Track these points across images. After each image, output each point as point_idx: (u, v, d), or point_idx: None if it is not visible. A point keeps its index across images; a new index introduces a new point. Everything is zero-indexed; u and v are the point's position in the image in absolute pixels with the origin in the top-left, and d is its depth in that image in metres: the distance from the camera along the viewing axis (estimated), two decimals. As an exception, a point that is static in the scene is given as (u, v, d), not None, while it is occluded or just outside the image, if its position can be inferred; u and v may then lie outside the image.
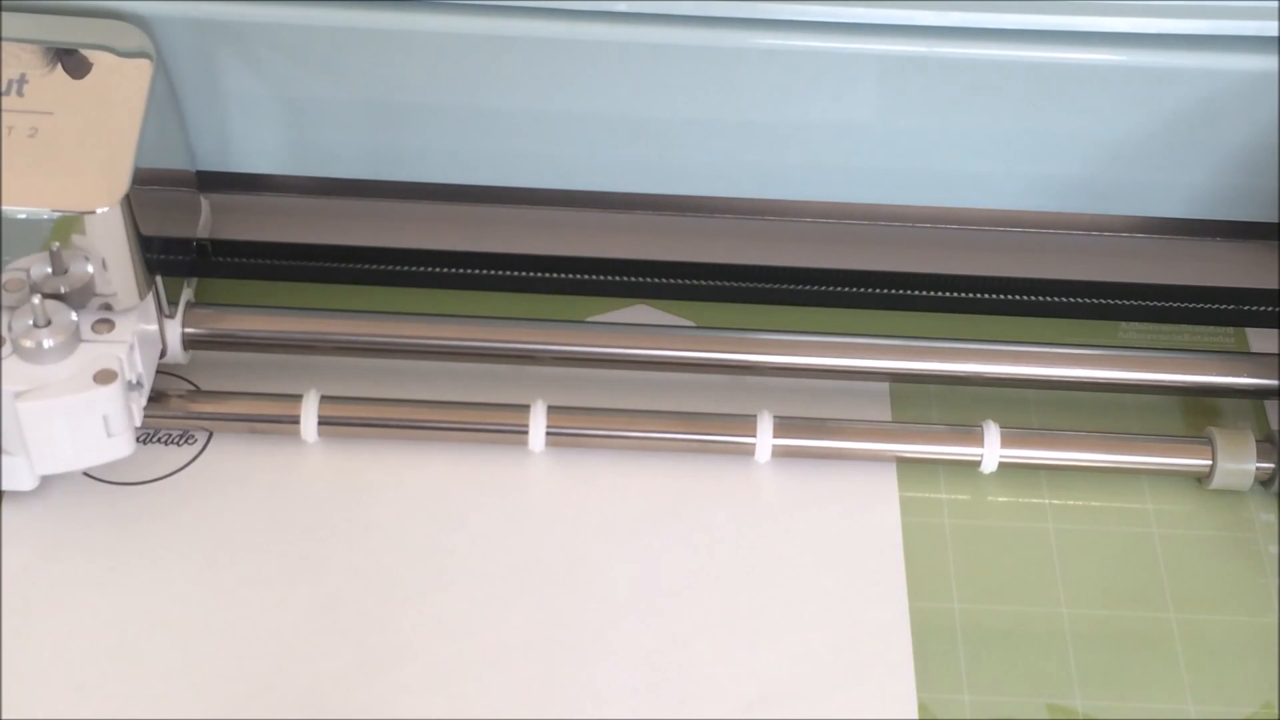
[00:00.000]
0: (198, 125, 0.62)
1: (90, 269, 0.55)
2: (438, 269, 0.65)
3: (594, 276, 0.65)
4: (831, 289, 0.65)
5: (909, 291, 0.65)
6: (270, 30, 0.58)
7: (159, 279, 0.58)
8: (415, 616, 0.56)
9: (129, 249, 0.55)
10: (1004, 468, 0.61)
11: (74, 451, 0.56)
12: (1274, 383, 0.62)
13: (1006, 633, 0.57)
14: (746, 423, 0.61)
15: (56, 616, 0.56)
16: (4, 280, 0.55)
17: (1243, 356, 0.64)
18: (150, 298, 0.58)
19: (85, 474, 0.59)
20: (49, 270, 0.55)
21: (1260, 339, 0.67)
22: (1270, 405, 0.65)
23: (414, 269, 0.65)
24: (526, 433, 0.60)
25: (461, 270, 0.65)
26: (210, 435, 0.61)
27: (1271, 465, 0.61)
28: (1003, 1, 0.58)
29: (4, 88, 0.55)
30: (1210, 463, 0.61)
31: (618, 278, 0.65)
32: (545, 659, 0.55)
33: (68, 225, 0.53)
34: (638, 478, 0.61)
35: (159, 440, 0.61)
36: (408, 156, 0.64)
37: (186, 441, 0.61)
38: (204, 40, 0.58)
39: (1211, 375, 0.63)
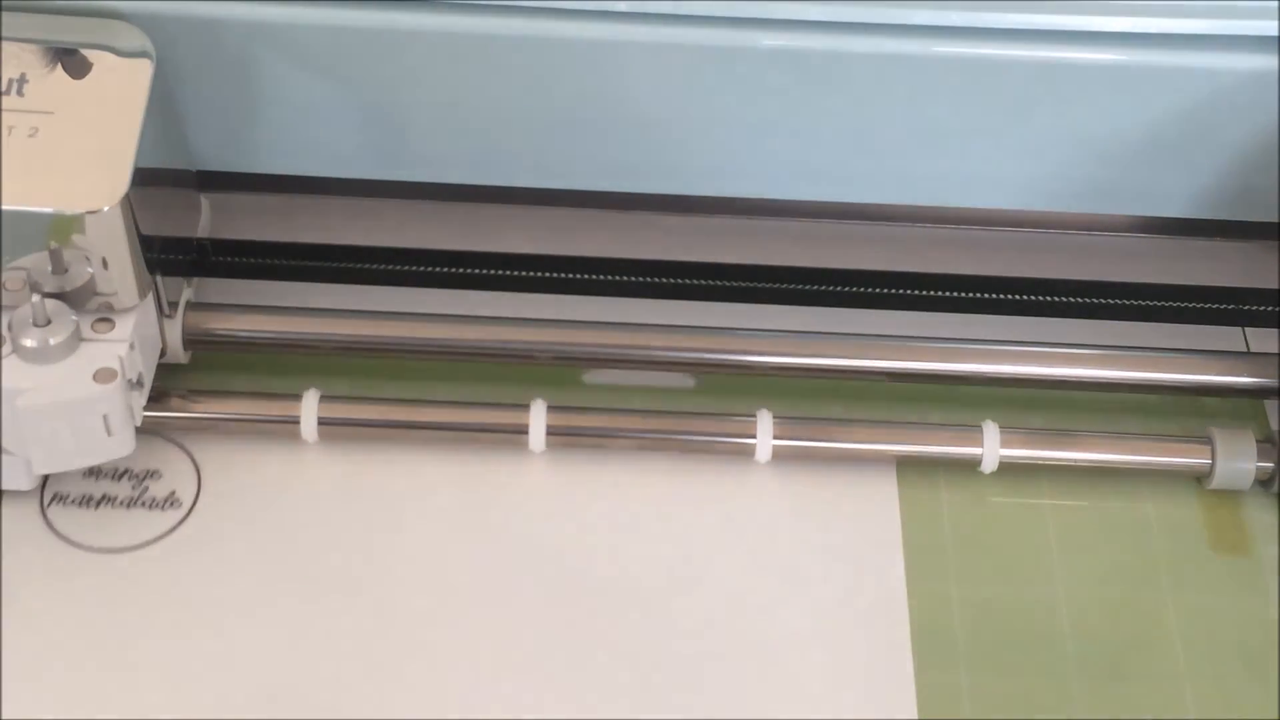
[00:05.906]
0: (198, 125, 0.62)
1: (90, 269, 0.55)
2: (438, 269, 0.65)
3: (594, 276, 0.65)
4: (831, 289, 0.65)
5: (909, 291, 0.65)
6: (270, 30, 0.58)
7: (159, 279, 0.58)
8: (415, 616, 0.56)
9: (129, 249, 0.55)
10: (1004, 468, 0.61)
11: (74, 451, 0.56)
12: (1274, 383, 0.62)
13: (1006, 632, 0.57)
14: (746, 423, 0.61)
15: (56, 617, 0.56)
16: (4, 280, 0.55)
17: (1243, 356, 0.64)
18: (150, 297, 0.58)
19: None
20: (49, 270, 0.55)
21: (1260, 339, 0.67)
22: (1270, 405, 0.65)
23: (414, 269, 0.65)
24: (526, 433, 0.60)
25: (461, 270, 0.65)
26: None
27: (1271, 465, 0.61)
28: (1003, 1, 0.57)
29: (4, 88, 0.55)
30: (1210, 462, 0.61)
31: (618, 278, 0.65)
32: (546, 659, 0.55)
33: (68, 225, 0.53)
34: (638, 478, 0.61)
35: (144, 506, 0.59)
36: (408, 156, 0.64)
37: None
38: (204, 40, 0.58)
39: (1211, 375, 0.63)
